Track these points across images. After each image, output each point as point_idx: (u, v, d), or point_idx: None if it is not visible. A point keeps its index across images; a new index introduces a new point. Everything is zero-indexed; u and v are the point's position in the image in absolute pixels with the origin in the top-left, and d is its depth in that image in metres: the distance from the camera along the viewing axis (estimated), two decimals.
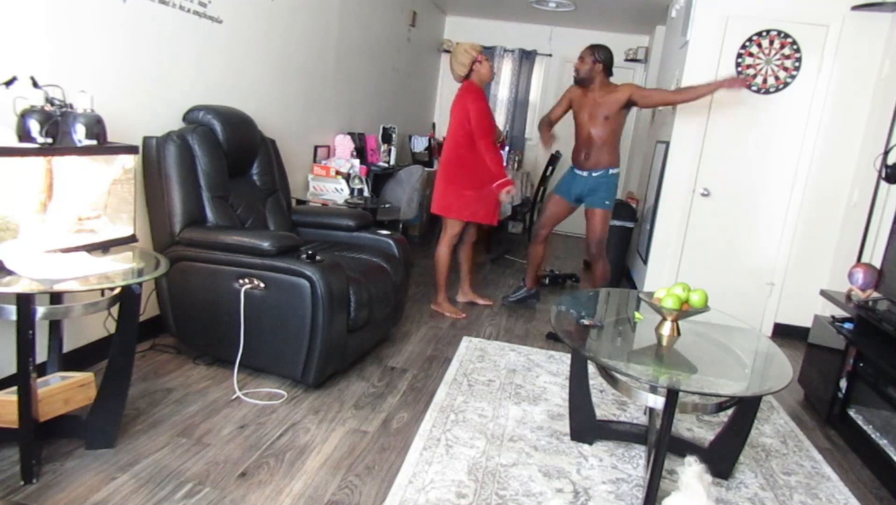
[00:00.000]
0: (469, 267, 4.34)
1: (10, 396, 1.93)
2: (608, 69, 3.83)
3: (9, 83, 2.07)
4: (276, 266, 2.60)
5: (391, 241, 3.38)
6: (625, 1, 5.88)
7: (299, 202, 4.05)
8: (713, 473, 2.33)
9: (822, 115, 4.12)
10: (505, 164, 4.21)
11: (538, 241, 4.22)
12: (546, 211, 4.20)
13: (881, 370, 2.64)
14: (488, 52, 7.47)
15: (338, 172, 4.40)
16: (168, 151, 2.77)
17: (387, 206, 4.92)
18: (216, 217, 2.91)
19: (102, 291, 2.08)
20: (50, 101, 2.10)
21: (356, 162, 4.64)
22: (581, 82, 3.90)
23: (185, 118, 3.02)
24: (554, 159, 6.82)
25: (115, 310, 2.09)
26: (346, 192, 4.36)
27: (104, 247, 2.22)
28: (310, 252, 2.72)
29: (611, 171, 3.90)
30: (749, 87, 4.10)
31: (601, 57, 3.80)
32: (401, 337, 3.54)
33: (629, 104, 3.83)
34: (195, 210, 2.84)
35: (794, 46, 4.09)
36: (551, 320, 2.47)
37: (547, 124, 4.11)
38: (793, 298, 4.31)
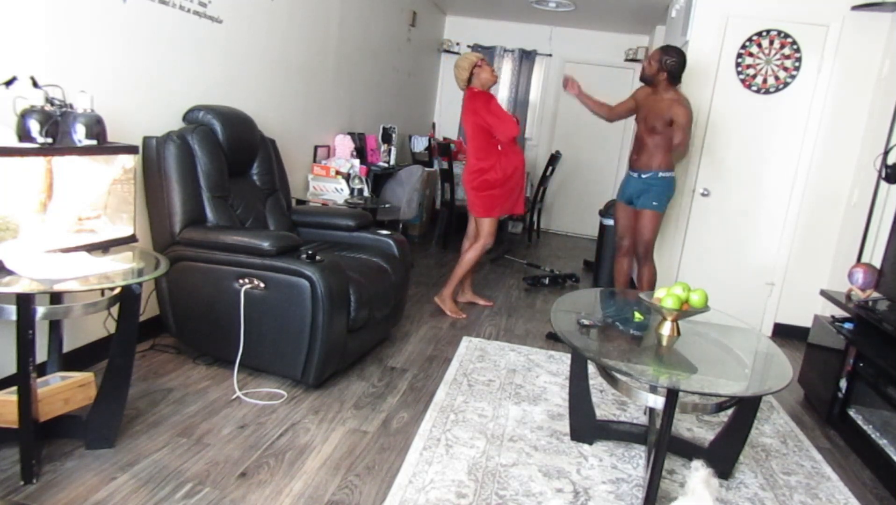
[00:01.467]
0: (474, 267, 4.36)
1: (10, 396, 1.93)
2: (674, 77, 3.66)
3: (9, 83, 2.07)
4: (276, 266, 2.60)
5: (391, 241, 3.39)
6: (625, 1, 5.88)
7: (299, 202, 4.05)
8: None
9: (822, 115, 4.12)
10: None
11: (620, 253, 4.06)
12: (618, 222, 4.06)
13: (881, 370, 2.64)
14: (488, 52, 7.47)
15: (338, 172, 4.40)
16: (168, 151, 2.77)
17: (387, 206, 4.92)
18: (216, 217, 2.91)
19: (102, 291, 2.08)
20: (50, 101, 2.10)
21: (356, 162, 4.64)
22: (645, 81, 3.78)
23: (185, 118, 3.02)
24: (553, 159, 6.82)
25: (115, 310, 2.09)
26: (346, 192, 4.36)
27: (104, 247, 2.22)
28: (310, 252, 2.72)
29: (660, 174, 3.74)
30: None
31: (668, 64, 3.61)
32: (401, 337, 3.54)
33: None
34: (195, 210, 2.84)
35: (794, 46, 4.09)
36: (551, 320, 2.47)
37: (600, 105, 3.96)
38: (793, 298, 4.31)
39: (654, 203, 3.77)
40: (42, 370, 2.17)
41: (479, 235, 4.10)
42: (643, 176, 3.80)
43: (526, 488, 2.16)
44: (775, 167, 4.24)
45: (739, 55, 4.17)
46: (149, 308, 2.86)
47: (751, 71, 4.17)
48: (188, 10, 3.00)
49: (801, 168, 4.20)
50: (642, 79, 3.80)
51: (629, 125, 7.42)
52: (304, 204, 4.10)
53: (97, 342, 2.71)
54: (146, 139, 2.77)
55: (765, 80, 4.16)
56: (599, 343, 2.46)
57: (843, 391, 2.91)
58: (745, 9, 4.13)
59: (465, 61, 3.94)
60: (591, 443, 2.52)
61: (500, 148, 3.94)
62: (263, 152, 3.32)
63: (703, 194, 4.34)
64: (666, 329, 2.38)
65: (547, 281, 5.10)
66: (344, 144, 4.77)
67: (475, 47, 7.55)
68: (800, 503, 2.29)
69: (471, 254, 4.10)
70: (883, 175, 3.43)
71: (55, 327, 2.20)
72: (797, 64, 4.11)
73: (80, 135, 2.09)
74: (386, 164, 5.39)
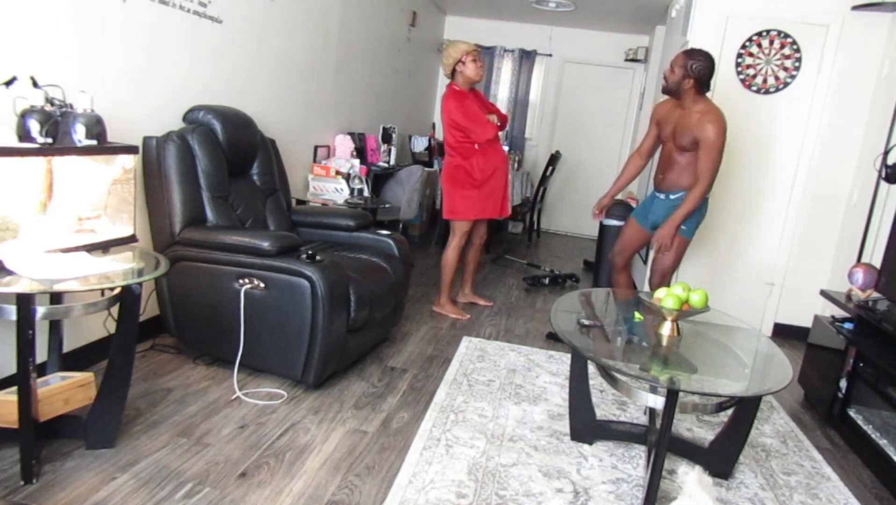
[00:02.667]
0: (474, 267, 4.35)
1: (10, 396, 1.93)
2: (702, 84, 3.14)
3: (9, 83, 2.07)
4: (276, 266, 2.60)
5: (391, 241, 3.38)
6: (625, 1, 5.88)
7: (299, 202, 4.05)
8: (713, 474, 2.34)
9: (822, 116, 4.12)
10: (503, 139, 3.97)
11: (617, 270, 3.67)
12: (622, 236, 3.64)
13: (881, 370, 2.64)
14: (488, 52, 7.46)
15: (338, 172, 4.40)
16: (168, 151, 2.77)
17: (387, 206, 4.92)
18: (216, 217, 2.91)
19: (102, 291, 2.08)
20: (50, 101, 2.10)
21: (356, 162, 4.64)
22: (668, 93, 3.27)
23: (185, 118, 3.02)
24: (553, 159, 6.82)
25: (115, 310, 2.09)
26: (346, 192, 4.36)
27: (104, 247, 2.22)
28: (310, 252, 2.72)
29: None
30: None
31: (695, 70, 3.09)
32: (401, 337, 3.54)
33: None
34: (195, 210, 2.84)
35: (794, 46, 4.09)
36: (551, 320, 2.47)
37: (629, 174, 3.54)
38: (793, 298, 4.31)
39: (684, 227, 3.29)
40: (42, 370, 2.17)
41: (453, 234, 4.02)
42: (671, 197, 3.32)
43: (526, 488, 2.16)
44: (775, 167, 4.24)
45: (739, 55, 4.17)
46: (149, 308, 2.86)
47: (751, 71, 4.17)
48: (188, 11, 3.00)
49: (801, 168, 4.19)
50: (665, 91, 3.31)
51: (630, 125, 7.43)
52: (304, 204, 4.10)
53: (97, 342, 2.71)
54: (146, 139, 2.77)
55: (765, 81, 4.16)
56: (599, 343, 2.46)
57: (843, 391, 2.91)
58: (745, 9, 4.13)
59: (449, 58, 3.83)
60: (591, 443, 2.52)
61: (476, 147, 3.85)
62: (263, 152, 3.32)
63: None
64: (666, 329, 2.38)
65: (547, 281, 5.10)
66: (344, 144, 4.77)
67: None
68: (800, 503, 2.29)
69: (448, 254, 4.02)
70: (883, 175, 3.43)
71: (55, 327, 2.20)
72: (797, 64, 4.10)
73: (80, 135, 2.09)
74: (386, 164, 5.39)
